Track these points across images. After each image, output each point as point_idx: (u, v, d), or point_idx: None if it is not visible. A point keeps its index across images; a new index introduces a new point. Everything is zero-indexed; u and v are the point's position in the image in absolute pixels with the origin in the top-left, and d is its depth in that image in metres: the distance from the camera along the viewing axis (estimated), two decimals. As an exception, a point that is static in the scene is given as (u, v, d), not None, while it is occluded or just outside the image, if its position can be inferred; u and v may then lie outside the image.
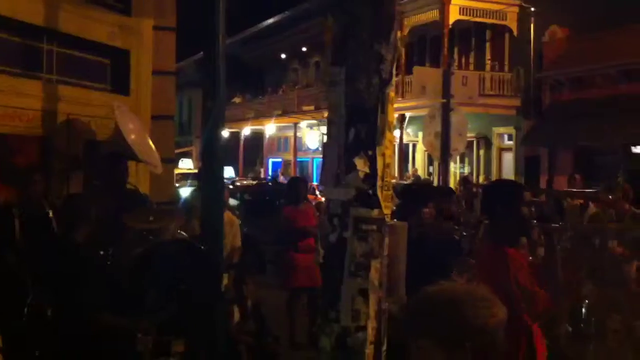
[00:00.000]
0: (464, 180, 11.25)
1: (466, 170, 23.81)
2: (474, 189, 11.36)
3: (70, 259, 4.08)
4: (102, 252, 4.66)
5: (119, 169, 5.70)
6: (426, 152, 22.10)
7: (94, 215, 4.25)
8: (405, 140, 23.87)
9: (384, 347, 2.61)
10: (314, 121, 26.57)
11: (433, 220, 5.59)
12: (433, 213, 5.33)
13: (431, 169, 24.26)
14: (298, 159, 30.95)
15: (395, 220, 4.57)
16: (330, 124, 2.92)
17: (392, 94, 2.91)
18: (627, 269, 7.14)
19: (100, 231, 4.49)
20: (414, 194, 5.51)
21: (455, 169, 23.02)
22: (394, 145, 21.33)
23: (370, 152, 2.74)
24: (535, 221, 5.17)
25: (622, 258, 7.20)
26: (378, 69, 2.80)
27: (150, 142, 6.44)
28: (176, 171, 22.66)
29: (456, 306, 1.82)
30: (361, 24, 2.73)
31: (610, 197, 8.20)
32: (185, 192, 16.84)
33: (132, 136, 5.97)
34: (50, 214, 5.29)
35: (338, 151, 2.79)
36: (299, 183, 8.57)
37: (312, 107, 26.50)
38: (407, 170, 24.69)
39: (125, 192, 5.71)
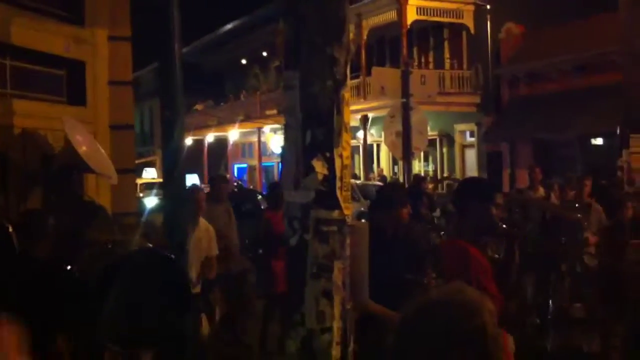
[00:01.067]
0: (417, 178, 11.32)
1: (430, 168, 24.03)
2: (427, 187, 11.43)
3: (33, 274, 4.02)
4: (67, 267, 4.60)
5: (72, 181, 5.64)
6: (390, 152, 22.27)
7: (52, 230, 4.19)
8: (369, 141, 24.01)
9: (350, 348, 2.62)
10: (278, 125, 26.56)
11: (407, 221, 5.59)
12: (409, 213, 5.31)
13: (396, 168, 24.42)
14: (263, 164, 30.91)
15: (364, 220, 4.60)
16: (287, 127, 2.93)
17: (347, 95, 2.92)
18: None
19: (61, 246, 4.42)
20: (390, 195, 5.42)
21: (419, 167, 23.23)
22: (358, 146, 21.45)
23: (327, 154, 2.75)
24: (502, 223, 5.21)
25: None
26: (331, 72, 2.81)
27: (104, 153, 6.38)
28: (140, 181, 22.49)
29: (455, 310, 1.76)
30: (312, 27, 2.74)
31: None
32: (150, 202, 16.69)
33: (83, 148, 5.91)
34: (10, 229, 5.20)
35: (296, 154, 2.80)
36: (279, 188, 8.53)
37: (274, 112, 26.49)
38: (372, 170, 24.82)
39: (82, 205, 5.65)
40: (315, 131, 2.77)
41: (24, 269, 4.10)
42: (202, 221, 6.44)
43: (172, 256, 4.67)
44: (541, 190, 9.11)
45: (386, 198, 5.10)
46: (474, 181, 4.92)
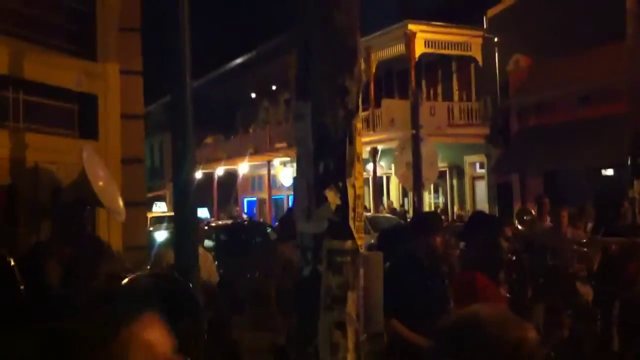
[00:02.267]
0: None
1: (440, 200, 23.97)
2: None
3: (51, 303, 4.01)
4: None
5: (82, 215, 5.64)
6: (400, 184, 22.24)
7: (61, 261, 4.18)
8: (378, 174, 24.01)
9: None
10: (287, 158, 26.63)
11: (444, 250, 5.50)
12: (443, 242, 5.21)
13: (406, 200, 24.38)
14: (273, 197, 30.92)
15: (394, 249, 4.55)
16: (299, 158, 2.92)
17: (359, 125, 2.92)
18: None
19: (68, 278, 4.42)
20: (424, 223, 5.29)
21: (430, 199, 23.17)
22: (367, 178, 21.44)
23: (340, 184, 2.73)
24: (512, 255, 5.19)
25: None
26: (343, 102, 2.81)
27: (116, 188, 6.40)
28: (150, 215, 22.52)
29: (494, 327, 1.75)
30: (324, 57, 2.75)
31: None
32: (160, 235, 16.69)
33: (100, 183, 5.93)
34: (12, 262, 5.18)
35: (308, 184, 2.79)
36: (290, 218, 8.51)
37: (284, 145, 26.58)
38: (381, 203, 24.77)
39: (87, 239, 5.64)
40: (328, 161, 2.76)
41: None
42: (200, 249, 6.47)
43: (183, 280, 4.66)
44: (549, 221, 9.11)
45: (422, 225, 4.98)
46: (483, 214, 4.88)
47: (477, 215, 4.89)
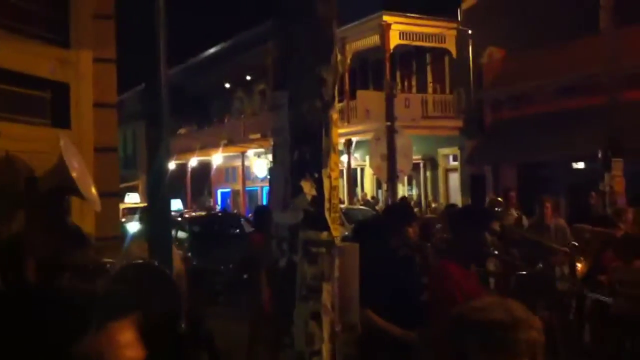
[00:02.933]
0: (404, 200, 11.43)
1: (414, 192, 24.10)
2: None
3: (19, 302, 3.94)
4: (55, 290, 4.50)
5: (61, 204, 5.55)
6: (374, 176, 22.32)
7: (37, 253, 4.11)
8: (353, 165, 24.05)
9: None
10: (261, 149, 26.56)
11: (417, 241, 5.55)
12: (417, 232, 5.25)
13: (380, 192, 24.48)
14: (247, 188, 30.84)
15: (369, 240, 4.57)
16: (275, 148, 2.92)
17: (335, 116, 2.92)
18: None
19: (44, 269, 4.35)
20: (397, 213, 5.37)
21: (404, 191, 23.29)
22: (342, 170, 21.48)
23: (316, 175, 2.73)
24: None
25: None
26: (320, 92, 2.81)
27: (90, 178, 6.31)
28: (122, 206, 22.30)
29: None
30: (301, 48, 2.74)
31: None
32: (132, 226, 16.54)
33: (74, 174, 5.83)
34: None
35: (284, 175, 2.78)
36: (267, 211, 8.51)
37: (258, 136, 26.50)
38: (356, 194, 24.83)
39: (68, 229, 5.55)
40: (304, 151, 2.76)
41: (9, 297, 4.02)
42: None
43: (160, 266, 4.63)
44: (514, 213, 9.24)
45: (394, 216, 5.07)
46: (471, 209, 4.87)
47: (465, 209, 4.87)
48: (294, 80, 2.81)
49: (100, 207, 6.34)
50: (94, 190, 6.25)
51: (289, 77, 2.84)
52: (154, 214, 5.66)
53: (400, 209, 5.72)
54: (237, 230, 15.96)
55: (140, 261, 4.94)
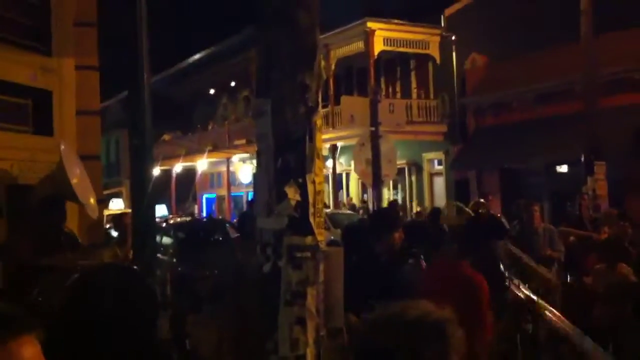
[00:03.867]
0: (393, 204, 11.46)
1: (399, 196, 24.15)
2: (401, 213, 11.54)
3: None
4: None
5: (57, 211, 5.50)
6: (359, 181, 22.35)
7: (18, 258, 4.10)
8: (338, 170, 24.07)
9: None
10: (246, 155, 26.51)
11: (406, 245, 5.53)
12: (402, 237, 5.24)
13: (365, 197, 24.50)
14: (232, 194, 30.75)
15: (354, 246, 4.57)
16: (259, 154, 2.93)
17: (319, 122, 2.94)
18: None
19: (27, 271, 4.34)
20: (383, 219, 5.37)
21: (389, 195, 23.33)
22: (327, 175, 21.40)
23: (300, 180, 2.75)
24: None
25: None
26: (303, 98, 2.83)
27: (90, 185, 6.29)
28: (107, 212, 22.13)
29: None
30: (284, 54, 2.76)
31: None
32: (115, 234, 16.41)
33: (75, 180, 5.81)
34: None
35: (268, 181, 2.79)
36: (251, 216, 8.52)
37: (243, 141, 26.45)
38: (341, 199, 24.84)
39: (64, 236, 5.52)
40: (288, 157, 2.77)
41: None
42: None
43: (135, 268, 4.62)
44: None
45: (380, 222, 5.04)
46: (489, 220, 4.74)
47: (483, 219, 4.67)
48: (277, 87, 2.82)
49: (97, 213, 6.34)
50: (92, 197, 6.24)
51: (271, 84, 2.85)
52: (138, 220, 5.64)
53: (386, 215, 5.73)
54: (223, 236, 15.91)
55: (117, 264, 4.93)
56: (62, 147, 5.79)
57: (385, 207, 16.53)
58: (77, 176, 5.76)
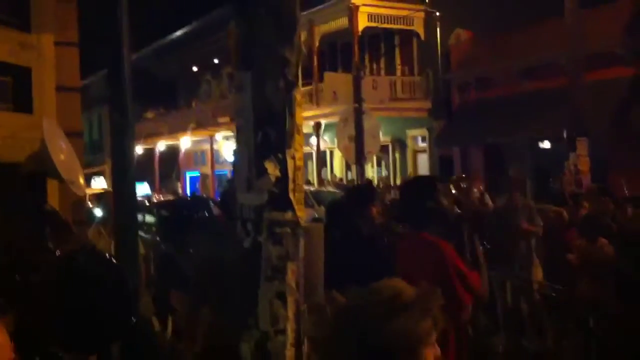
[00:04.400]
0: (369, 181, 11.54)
1: (383, 173, 24.19)
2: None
3: None
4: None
5: (41, 189, 5.44)
6: (344, 159, 22.35)
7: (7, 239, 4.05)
8: (322, 148, 24.04)
9: (304, 349, 2.60)
10: (230, 133, 26.39)
11: (383, 220, 5.60)
12: (379, 212, 5.32)
13: (350, 174, 24.53)
14: (216, 172, 30.66)
15: (336, 221, 4.61)
16: (239, 129, 2.91)
17: (299, 96, 2.91)
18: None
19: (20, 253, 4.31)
20: (360, 194, 5.48)
21: (373, 173, 23.36)
22: (311, 153, 21.41)
23: (280, 155, 2.73)
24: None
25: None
26: (283, 73, 2.81)
27: (77, 162, 6.23)
28: (89, 191, 22.00)
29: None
30: (264, 28, 2.73)
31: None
32: (99, 212, 16.34)
33: (62, 156, 5.75)
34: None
35: (248, 156, 2.77)
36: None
37: (227, 119, 26.31)
38: (325, 177, 24.84)
39: (45, 214, 5.47)
40: (267, 132, 2.75)
41: None
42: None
43: (112, 258, 4.61)
44: (477, 192, 9.40)
45: (357, 197, 5.13)
46: (414, 181, 4.75)
47: (411, 182, 4.70)
48: (257, 62, 2.79)
49: (84, 191, 6.29)
50: (80, 175, 6.18)
51: (252, 58, 2.83)
52: (120, 198, 5.60)
53: (363, 191, 5.79)
54: (206, 214, 15.87)
55: (88, 249, 4.90)
56: (45, 122, 5.72)
57: (364, 183, 16.63)
58: (63, 152, 5.70)
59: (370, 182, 10.53)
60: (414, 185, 3.96)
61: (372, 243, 4.62)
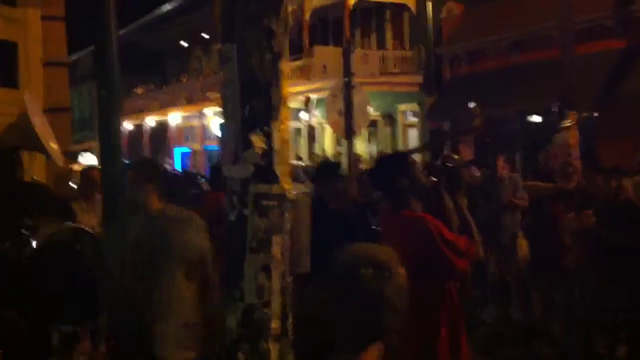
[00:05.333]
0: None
1: (374, 148, 24.19)
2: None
3: None
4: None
5: (18, 162, 5.38)
6: (333, 134, 22.30)
7: None
8: (313, 123, 23.99)
9: (290, 320, 2.61)
10: (220, 108, 26.26)
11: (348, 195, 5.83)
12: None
13: (340, 149, 24.49)
14: (205, 147, 30.59)
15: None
16: (225, 101, 2.89)
17: (285, 68, 2.89)
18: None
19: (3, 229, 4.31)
20: (324, 171, 5.91)
21: (363, 148, 23.35)
22: (301, 128, 21.35)
23: (266, 128, 2.72)
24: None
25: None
26: (270, 44, 2.78)
27: (52, 134, 6.18)
28: (77, 168, 21.88)
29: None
30: (249, -2, 2.70)
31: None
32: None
33: (37, 129, 5.70)
34: None
35: (234, 128, 2.76)
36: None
37: (217, 94, 26.12)
38: (315, 152, 24.81)
39: (26, 187, 5.42)
40: (254, 104, 2.73)
41: None
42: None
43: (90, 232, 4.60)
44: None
45: (326, 171, 5.42)
46: (385, 160, 4.59)
47: (382, 160, 4.55)
48: (242, 32, 2.76)
49: (62, 162, 6.26)
50: (55, 145, 6.14)
51: (237, 29, 2.79)
52: (108, 175, 5.55)
53: (327, 167, 6.43)
54: (197, 190, 15.84)
55: (72, 225, 4.89)
56: (26, 95, 5.67)
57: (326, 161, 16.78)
58: (37, 125, 5.66)
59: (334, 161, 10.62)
60: (385, 165, 3.89)
61: (340, 217, 4.90)
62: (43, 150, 5.77)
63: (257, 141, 2.69)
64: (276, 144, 2.72)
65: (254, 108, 2.76)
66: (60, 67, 7.71)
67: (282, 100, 2.81)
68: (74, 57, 27.11)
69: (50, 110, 7.16)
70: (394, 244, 3.56)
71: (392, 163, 3.81)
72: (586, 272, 5.96)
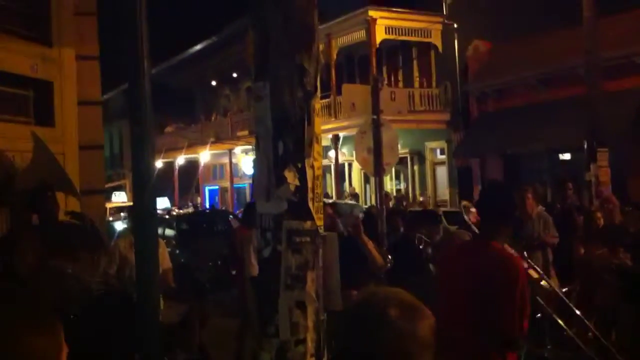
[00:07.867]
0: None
1: (402, 186, 24.14)
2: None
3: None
4: None
5: (48, 200, 5.45)
6: (362, 171, 22.33)
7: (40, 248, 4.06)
8: (340, 160, 24.05)
9: (325, 359, 2.59)
10: (249, 146, 26.50)
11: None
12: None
13: (368, 187, 24.50)
14: (235, 186, 30.78)
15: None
16: (258, 138, 2.91)
17: (317, 106, 2.92)
18: None
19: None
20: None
21: (391, 185, 23.32)
22: (330, 165, 21.41)
23: (299, 165, 2.73)
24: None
25: None
26: (301, 81, 2.81)
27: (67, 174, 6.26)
28: (109, 205, 22.19)
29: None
30: (281, 36, 2.74)
31: None
32: (119, 226, 16.50)
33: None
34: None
35: (267, 165, 2.78)
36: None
37: (246, 132, 26.43)
38: (344, 189, 24.84)
39: (62, 225, 5.46)
40: (286, 141, 2.75)
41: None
42: None
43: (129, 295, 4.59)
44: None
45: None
46: (496, 189, 4.43)
47: (493, 189, 4.40)
48: (274, 71, 2.80)
49: (80, 200, 6.33)
50: (72, 181, 6.22)
51: (269, 67, 2.84)
52: (140, 212, 5.59)
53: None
54: (225, 227, 15.96)
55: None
56: (32, 135, 5.69)
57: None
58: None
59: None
60: (505, 192, 3.79)
61: (396, 248, 5.02)
62: (73, 189, 5.84)
63: (290, 177, 2.71)
64: (309, 180, 2.73)
65: (287, 145, 2.78)
66: (94, 105, 7.86)
67: (314, 137, 2.83)
68: (106, 95, 27.66)
69: (85, 148, 7.29)
70: (460, 275, 3.40)
71: (499, 194, 3.72)
72: (617, 308, 5.85)
